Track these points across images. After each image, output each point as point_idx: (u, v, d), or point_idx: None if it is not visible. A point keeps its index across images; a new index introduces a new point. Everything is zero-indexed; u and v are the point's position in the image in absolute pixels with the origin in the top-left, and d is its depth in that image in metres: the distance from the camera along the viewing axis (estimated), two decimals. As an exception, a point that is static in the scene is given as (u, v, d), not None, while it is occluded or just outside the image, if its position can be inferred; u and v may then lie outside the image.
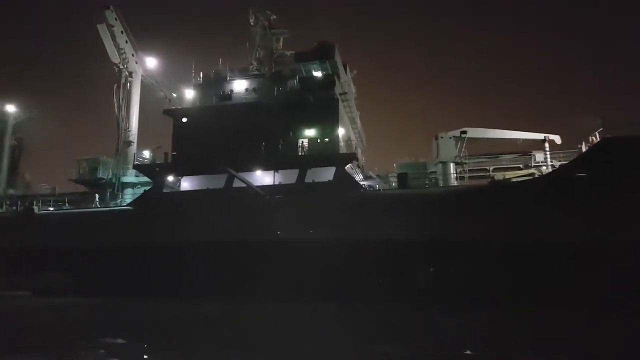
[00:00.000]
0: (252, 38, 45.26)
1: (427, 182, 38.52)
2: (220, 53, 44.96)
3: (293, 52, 44.97)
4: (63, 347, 19.54)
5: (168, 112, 41.27)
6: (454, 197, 33.45)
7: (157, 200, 37.67)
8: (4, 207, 43.36)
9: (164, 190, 38.45)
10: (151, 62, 47.44)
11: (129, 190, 43.24)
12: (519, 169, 38.57)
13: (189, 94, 51.49)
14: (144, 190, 39.73)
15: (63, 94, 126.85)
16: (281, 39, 45.59)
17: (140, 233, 36.24)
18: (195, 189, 38.77)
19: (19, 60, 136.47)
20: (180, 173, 38.73)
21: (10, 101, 53.93)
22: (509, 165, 39.28)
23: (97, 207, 40.29)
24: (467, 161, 38.91)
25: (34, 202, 40.06)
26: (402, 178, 37.30)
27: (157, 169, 39.01)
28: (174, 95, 51.20)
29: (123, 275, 34.57)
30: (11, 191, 49.88)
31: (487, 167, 39.69)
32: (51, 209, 41.57)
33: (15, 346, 19.57)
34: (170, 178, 38.69)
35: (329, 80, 37.77)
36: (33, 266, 34.72)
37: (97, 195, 41.44)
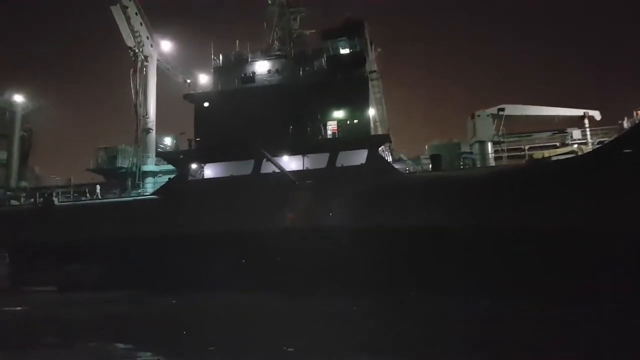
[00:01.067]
0: (270, 18, 43.18)
1: (462, 163, 36.65)
2: (238, 35, 42.45)
3: (312, 31, 43.04)
4: (89, 343, 18.37)
5: (188, 97, 39.46)
6: (500, 178, 31.44)
7: (182, 188, 36.01)
8: (22, 199, 41.84)
9: (189, 178, 36.72)
10: (166, 46, 45.52)
11: (149, 179, 41.63)
12: (555, 147, 36.67)
13: (204, 79, 50.51)
14: (168, 179, 38.09)
15: (76, 82, 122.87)
16: (298, 18, 43.42)
17: (167, 223, 34.71)
18: (219, 176, 37.05)
19: (28, 47, 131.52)
20: (205, 160, 36.97)
21: (18, 90, 52.31)
22: (545, 144, 37.39)
23: (120, 197, 38.68)
24: (505, 140, 36.92)
25: (53, 194, 38.46)
26: (435, 160, 35.44)
27: (181, 157, 37.27)
28: (188, 81, 49.57)
29: (150, 267, 33.03)
30: (23, 183, 48.60)
31: (522, 146, 37.75)
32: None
33: (41, 342, 18.49)
34: (195, 165, 36.90)
35: (359, 58, 35.71)
36: (56, 260, 33.17)
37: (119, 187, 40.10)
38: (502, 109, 37.14)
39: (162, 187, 37.26)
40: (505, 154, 36.97)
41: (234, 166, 36.63)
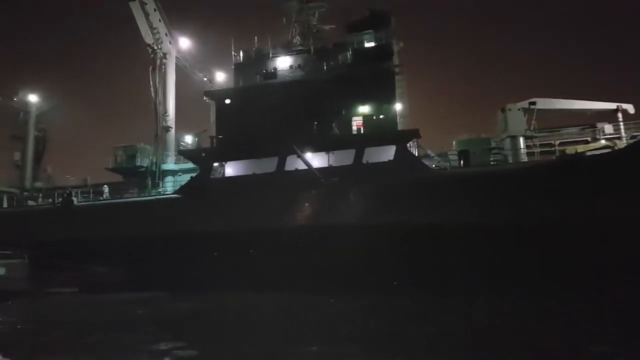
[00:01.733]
0: (288, 13, 42.21)
1: (491, 158, 35.39)
2: (256, 31, 41.42)
3: (332, 26, 42.06)
4: (115, 347, 17.51)
5: (209, 94, 38.65)
6: (535, 173, 30.17)
7: (205, 187, 35.07)
8: (39, 200, 41.12)
9: (212, 177, 35.82)
10: (184, 43, 44.67)
11: (169, 178, 40.77)
12: (587, 142, 35.31)
13: (221, 76, 49.79)
14: (191, 177, 37.23)
15: (91, 81, 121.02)
16: (317, 13, 42.38)
17: (190, 222, 33.79)
18: (241, 174, 36.08)
19: (42, 46, 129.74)
20: (227, 157, 36.04)
21: (32, 90, 51.86)
22: (577, 139, 36.04)
23: (140, 196, 37.85)
24: (537, 135, 35.59)
25: (72, 193, 37.67)
26: (463, 155, 34.22)
27: (203, 154, 36.35)
28: (205, 78, 48.80)
29: (174, 267, 32.10)
30: (38, 184, 48.08)
31: (552, 142, 36.40)
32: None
33: (64, 347, 17.56)
34: (216, 163, 36.00)
35: (386, 51, 34.57)
36: (77, 260, 32.28)
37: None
38: (534, 103, 35.82)
39: (184, 185, 36.36)
40: (537, 150, 35.67)
41: (256, 164, 35.67)
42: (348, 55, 35.74)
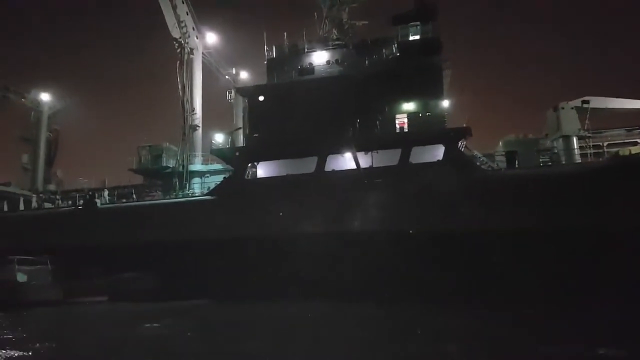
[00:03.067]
0: (320, 8, 40.24)
1: (541, 160, 33.39)
2: (285, 27, 39.27)
3: (365, 22, 40.08)
4: None
5: (241, 91, 36.54)
6: (595, 176, 28.14)
7: (241, 188, 32.88)
8: (56, 202, 38.82)
9: (247, 177, 33.67)
10: (211, 38, 42.63)
11: (196, 180, 38.59)
12: (635, 144, 33.37)
13: (244, 75, 47.97)
14: (224, 178, 35.04)
15: (110, 80, 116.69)
16: (347, 9, 40.35)
17: (226, 225, 31.57)
18: (274, 174, 33.90)
19: (58, 41, 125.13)
20: (263, 157, 33.89)
21: (45, 89, 49.74)
22: (625, 140, 34.12)
23: (167, 199, 35.67)
24: (591, 135, 33.56)
25: (96, 195, 35.41)
26: (511, 156, 32.16)
27: (237, 154, 34.16)
28: (227, 77, 46.86)
29: (211, 274, 29.88)
30: (51, 187, 45.94)
31: (601, 143, 34.40)
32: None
33: None
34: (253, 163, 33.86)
35: (434, 44, 32.46)
36: (104, 267, 29.96)
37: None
38: (587, 102, 33.77)
39: (218, 186, 34.16)
40: (590, 151, 33.66)
41: (291, 164, 33.50)
42: (393, 48, 33.65)
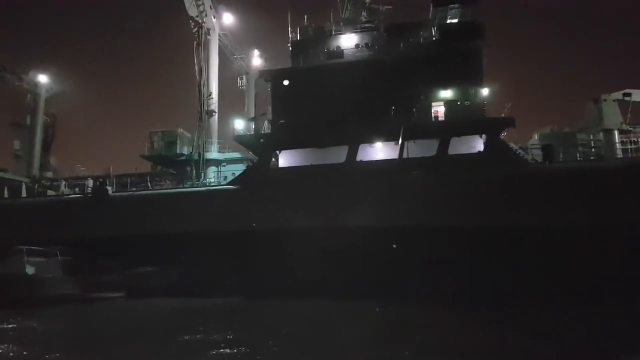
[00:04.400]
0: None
1: (579, 154, 31.81)
2: (305, 10, 36.87)
3: (389, 7, 37.99)
4: None
5: (265, 74, 34.17)
6: None
7: (266, 177, 30.68)
8: (61, 189, 36.11)
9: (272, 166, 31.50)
10: (228, 19, 40.18)
11: (212, 169, 36.23)
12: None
13: (257, 61, 45.78)
14: (247, 167, 32.86)
15: (113, 63, 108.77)
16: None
17: (251, 217, 29.39)
18: (300, 164, 31.76)
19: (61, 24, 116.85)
20: (289, 145, 31.73)
21: (43, 70, 46.76)
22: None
23: (188, 187, 33.33)
24: (632, 129, 32.04)
25: (107, 182, 32.85)
26: (548, 150, 30.48)
27: (262, 140, 31.92)
28: (240, 62, 44.55)
29: (236, 268, 27.75)
30: (48, 174, 43.18)
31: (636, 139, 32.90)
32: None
33: None
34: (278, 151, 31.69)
35: (476, 28, 30.47)
36: (120, 259, 27.55)
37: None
38: (629, 94, 32.25)
39: (240, 175, 31.90)
40: (632, 146, 32.11)
41: (316, 154, 31.44)
42: (432, 31, 31.65)
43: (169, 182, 36.35)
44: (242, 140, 33.05)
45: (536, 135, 33.52)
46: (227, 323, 20.34)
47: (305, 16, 36.61)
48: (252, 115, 44.81)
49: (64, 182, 36.71)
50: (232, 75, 45.71)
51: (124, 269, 27.26)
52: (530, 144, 33.04)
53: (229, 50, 42.65)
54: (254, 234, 29.08)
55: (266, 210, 29.45)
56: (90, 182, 34.39)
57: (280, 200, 29.72)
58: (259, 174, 31.08)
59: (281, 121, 31.94)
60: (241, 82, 46.55)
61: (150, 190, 33.59)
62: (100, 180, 33.03)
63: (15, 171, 42.03)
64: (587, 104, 33.33)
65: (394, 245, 28.18)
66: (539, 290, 24.24)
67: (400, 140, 28.31)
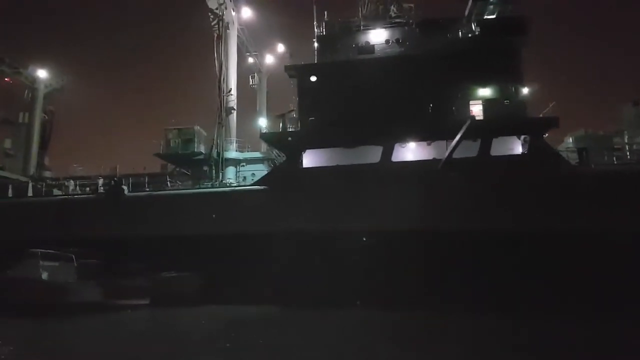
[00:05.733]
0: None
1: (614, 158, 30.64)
2: (330, 4, 35.18)
3: (411, 5, 36.59)
4: None
5: (291, 69, 32.37)
6: None
7: (296, 177, 28.85)
8: (70, 189, 33.80)
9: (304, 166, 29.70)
10: (246, 13, 38.41)
11: (230, 169, 34.26)
12: None
13: (270, 59, 44.36)
14: (275, 165, 31.03)
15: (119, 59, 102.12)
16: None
17: (283, 219, 27.56)
18: (328, 164, 30.00)
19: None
20: (320, 144, 29.98)
21: (42, 65, 44.54)
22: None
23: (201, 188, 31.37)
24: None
25: (122, 181, 30.66)
26: (583, 153, 29.28)
27: (290, 139, 30.09)
28: (251, 60, 42.85)
29: (264, 273, 25.87)
30: (47, 173, 40.96)
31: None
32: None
33: None
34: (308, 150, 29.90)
35: (520, 24, 29.09)
36: (143, 264, 25.43)
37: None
38: (669, 96, 31.28)
39: (268, 175, 30.01)
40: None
41: (345, 153, 29.75)
42: (472, 26, 30.27)
43: (180, 182, 34.25)
44: (268, 138, 31.20)
45: (571, 138, 32.21)
46: (265, 334, 18.37)
47: (325, 12, 34.96)
48: (263, 114, 43.20)
49: (72, 182, 34.34)
50: (243, 73, 43.95)
51: (148, 273, 25.04)
52: (564, 146, 31.83)
53: (244, 46, 40.87)
54: (285, 236, 27.15)
55: (299, 211, 27.60)
56: (101, 181, 32.11)
57: (314, 202, 27.91)
58: (287, 173, 29.23)
59: (311, 118, 30.14)
60: (252, 81, 44.88)
61: (169, 190, 31.41)
62: (116, 179, 30.75)
63: (9, 170, 39.71)
64: (625, 106, 32.30)
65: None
66: (591, 298, 22.78)
67: (458, 138, 26.47)
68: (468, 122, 25.58)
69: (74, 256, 24.95)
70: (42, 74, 43.98)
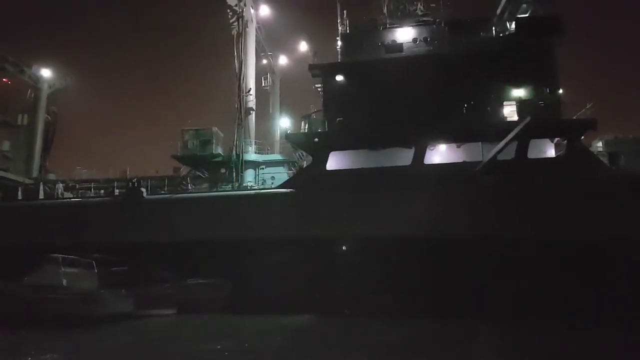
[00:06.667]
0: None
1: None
2: (353, 3, 34.02)
3: (433, 4, 35.70)
4: None
5: (316, 68, 31.25)
6: None
7: (323, 180, 27.63)
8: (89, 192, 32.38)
9: (328, 168, 28.46)
10: (264, 11, 37.28)
11: (250, 172, 32.99)
12: None
13: (283, 60, 43.48)
14: (300, 168, 29.83)
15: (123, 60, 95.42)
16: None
17: (312, 223, 26.36)
18: (347, 167, 28.85)
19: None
20: (348, 145, 28.85)
21: (46, 64, 43.02)
22: None
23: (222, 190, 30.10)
24: None
25: (141, 183, 29.25)
26: (615, 158, 28.42)
27: (316, 140, 28.91)
28: (265, 61, 41.75)
29: (293, 280, 24.66)
30: (51, 176, 39.37)
31: None
32: None
33: None
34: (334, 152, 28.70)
35: (556, 23, 28.17)
36: (167, 270, 24.05)
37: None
38: None
39: (293, 178, 28.92)
40: None
41: (371, 156, 28.65)
42: (507, 25, 29.43)
43: (193, 186, 32.83)
44: (294, 139, 30.03)
45: (600, 142, 31.29)
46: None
47: (345, 11, 33.82)
48: (277, 116, 42.08)
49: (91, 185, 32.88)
50: (256, 74, 42.79)
51: (173, 280, 23.64)
52: (593, 151, 30.94)
53: (260, 46, 39.71)
54: (314, 241, 25.94)
55: (329, 216, 26.40)
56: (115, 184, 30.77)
57: (342, 205, 26.72)
58: (314, 175, 28.01)
59: (339, 119, 28.98)
60: (265, 82, 43.71)
61: (190, 193, 30.06)
62: (134, 181, 29.29)
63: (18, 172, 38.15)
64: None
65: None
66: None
67: (510, 138, 25.43)
68: (527, 120, 24.46)
69: (94, 262, 23.44)
70: (46, 73, 42.44)
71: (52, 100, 43.75)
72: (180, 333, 20.21)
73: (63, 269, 22.25)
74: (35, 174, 39.24)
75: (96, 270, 23.37)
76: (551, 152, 28.56)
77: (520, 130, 24.87)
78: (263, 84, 43.65)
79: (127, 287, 22.23)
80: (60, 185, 33.32)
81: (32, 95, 42.63)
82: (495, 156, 25.72)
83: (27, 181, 36.88)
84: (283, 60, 44.54)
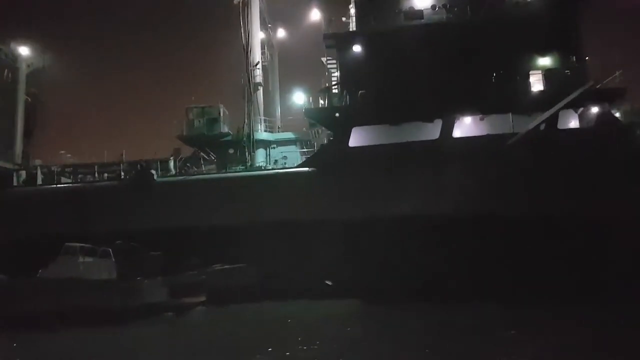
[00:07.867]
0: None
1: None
2: None
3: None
4: None
5: (331, 38, 29.45)
6: None
7: (345, 157, 26.12)
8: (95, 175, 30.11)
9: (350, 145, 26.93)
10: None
11: (260, 151, 31.22)
12: None
13: (281, 33, 41.40)
14: (322, 145, 28.12)
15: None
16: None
17: (338, 204, 24.98)
18: (369, 143, 27.41)
19: None
20: (371, 120, 27.33)
21: (25, 42, 39.78)
22: None
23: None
24: None
25: (151, 166, 27.21)
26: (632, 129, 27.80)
27: (338, 115, 27.29)
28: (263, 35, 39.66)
29: (322, 263, 23.31)
30: (37, 162, 36.74)
31: None
32: None
33: None
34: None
35: (585, -14, 27.10)
36: (196, 257, 22.43)
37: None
38: None
39: (315, 156, 27.29)
40: None
41: (394, 130, 27.28)
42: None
43: (195, 169, 30.86)
44: (313, 115, 28.38)
45: (617, 114, 30.62)
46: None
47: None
48: (277, 93, 40.19)
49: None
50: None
51: (201, 267, 22.01)
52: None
53: (261, 17, 37.49)
54: (340, 224, 24.54)
55: (351, 194, 25.00)
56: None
57: (368, 183, 25.34)
58: (336, 153, 26.47)
59: (361, 92, 27.38)
60: (263, 57, 41.57)
61: (204, 174, 28.15)
62: (143, 163, 27.22)
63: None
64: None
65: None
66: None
67: (559, 107, 24.42)
68: (586, 86, 23.25)
69: (110, 250, 21.54)
70: (24, 51, 39.16)
71: (32, 82, 40.80)
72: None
73: (82, 260, 20.30)
74: (18, 160, 36.53)
75: (113, 259, 21.40)
76: (574, 123, 27.56)
77: (571, 100, 23.65)
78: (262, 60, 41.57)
79: (163, 276, 20.47)
80: (55, 168, 30.81)
81: (9, 75, 39.40)
82: (538, 127, 24.56)
83: (14, 167, 34.24)
84: (281, 33, 42.34)
